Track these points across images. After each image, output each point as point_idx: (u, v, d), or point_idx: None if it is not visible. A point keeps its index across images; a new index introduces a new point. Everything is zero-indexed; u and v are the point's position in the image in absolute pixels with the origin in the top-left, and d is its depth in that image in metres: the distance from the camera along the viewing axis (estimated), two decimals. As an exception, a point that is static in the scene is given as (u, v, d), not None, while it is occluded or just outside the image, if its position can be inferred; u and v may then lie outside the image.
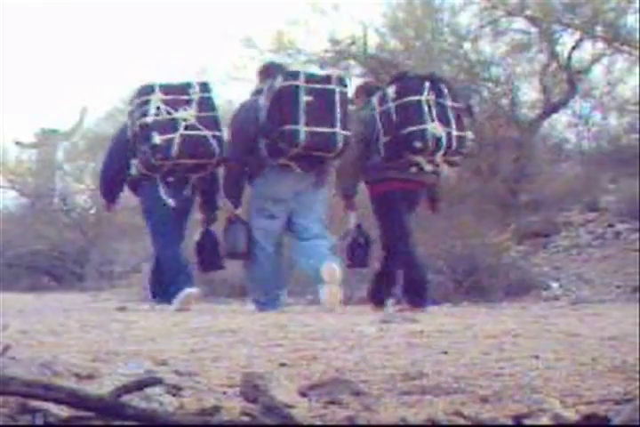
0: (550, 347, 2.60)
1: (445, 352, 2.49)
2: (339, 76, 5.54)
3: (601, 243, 9.50)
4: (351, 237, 5.64)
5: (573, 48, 11.71)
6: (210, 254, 5.71)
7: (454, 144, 5.40)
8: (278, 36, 12.89)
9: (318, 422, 1.48)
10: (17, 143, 17.16)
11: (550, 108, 11.96)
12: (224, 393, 1.78)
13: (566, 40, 11.84)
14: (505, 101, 12.01)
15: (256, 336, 3.13)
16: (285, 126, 5.24)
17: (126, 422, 1.24)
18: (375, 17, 12.63)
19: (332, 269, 5.25)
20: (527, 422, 1.43)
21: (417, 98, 5.32)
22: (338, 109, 5.30)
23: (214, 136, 5.59)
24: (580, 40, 11.66)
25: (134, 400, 1.45)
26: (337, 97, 5.32)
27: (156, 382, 1.47)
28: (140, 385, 1.41)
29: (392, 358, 2.38)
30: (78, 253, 13.62)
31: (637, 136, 11.44)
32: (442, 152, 5.34)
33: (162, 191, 5.59)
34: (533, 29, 11.86)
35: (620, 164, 10.90)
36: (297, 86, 5.28)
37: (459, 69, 11.95)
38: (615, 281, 8.21)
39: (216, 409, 1.47)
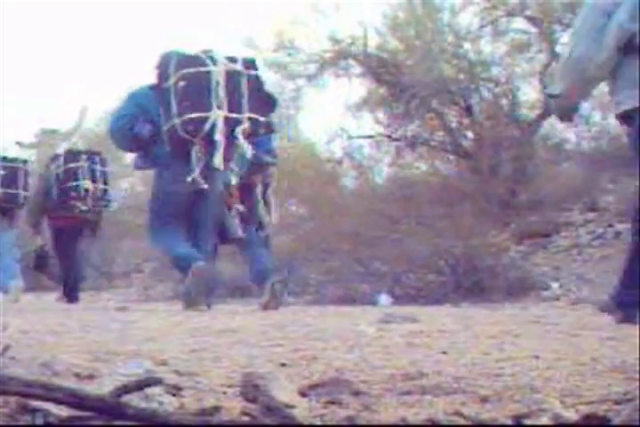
0: (550, 347, 2.60)
1: (445, 352, 2.49)
2: (23, 159, 9.19)
3: (601, 243, 9.51)
4: (37, 251, 8.91)
5: (573, 48, 11.71)
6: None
7: (99, 194, 8.60)
8: (278, 36, 12.90)
9: (318, 422, 1.48)
10: (17, 143, 17.19)
11: (550, 109, 11.96)
12: (224, 393, 1.78)
13: (566, 40, 11.84)
14: (505, 101, 12.02)
15: (256, 336, 3.13)
16: None
17: (126, 423, 1.24)
18: (375, 17, 12.66)
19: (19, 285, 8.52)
20: (527, 422, 1.43)
21: (76, 164, 8.50)
22: (22, 179, 8.62)
23: None
24: (580, 40, 11.65)
25: (134, 400, 1.45)
26: (21, 172, 8.67)
27: (156, 382, 1.47)
28: (140, 385, 1.41)
29: (392, 358, 2.38)
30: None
31: (637, 136, 11.43)
32: (90, 199, 8.46)
33: None
34: (533, 29, 11.87)
35: (620, 164, 10.91)
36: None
37: (459, 69, 11.96)
38: (615, 281, 8.21)
39: (216, 409, 1.46)
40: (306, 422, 1.45)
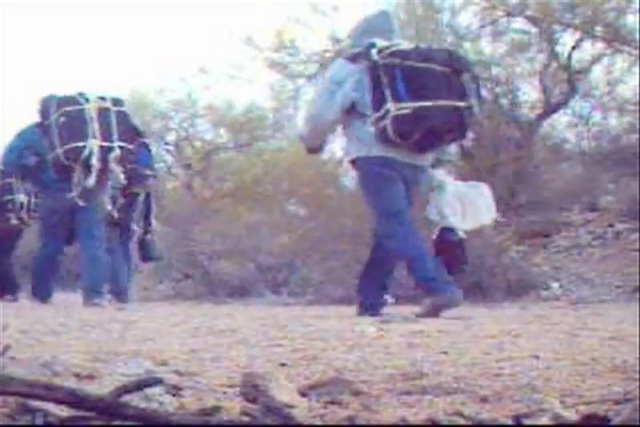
0: (550, 347, 2.60)
1: (445, 352, 2.49)
2: None
3: (601, 243, 9.50)
4: None
5: (573, 48, 11.71)
6: None
7: (32, 206, 8.81)
8: (278, 35, 12.90)
9: (318, 422, 1.48)
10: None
11: (550, 108, 11.96)
12: (224, 393, 1.78)
13: (566, 40, 11.82)
14: (505, 101, 12.01)
15: (256, 336, 3.13)
16: None
17: (126, 422, 1.24)
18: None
19: None
20: (527, 422, 1.43)
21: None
22: None
23: None
24: (580, 40, 11.65)
25: (134, 400, 1.45)
26: None
27: (156, 382, 1.47)
28: (140, 385, 1.41)
29: (392, 358, 2.38)
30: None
31: (637, 136, 11.43)
32: (25, 211, 8.85)
33: None
34: (533, 29, 11.85)
35: (620, 164, 10.90)
36: None
37: (459, 69, 11.92)
38: (615, 281, 8.22)
39: (216, 409, 1.46)
40: (306, 423, 1.45)
